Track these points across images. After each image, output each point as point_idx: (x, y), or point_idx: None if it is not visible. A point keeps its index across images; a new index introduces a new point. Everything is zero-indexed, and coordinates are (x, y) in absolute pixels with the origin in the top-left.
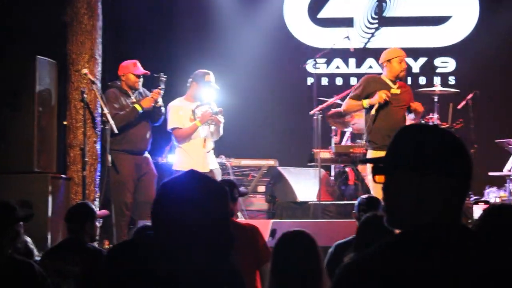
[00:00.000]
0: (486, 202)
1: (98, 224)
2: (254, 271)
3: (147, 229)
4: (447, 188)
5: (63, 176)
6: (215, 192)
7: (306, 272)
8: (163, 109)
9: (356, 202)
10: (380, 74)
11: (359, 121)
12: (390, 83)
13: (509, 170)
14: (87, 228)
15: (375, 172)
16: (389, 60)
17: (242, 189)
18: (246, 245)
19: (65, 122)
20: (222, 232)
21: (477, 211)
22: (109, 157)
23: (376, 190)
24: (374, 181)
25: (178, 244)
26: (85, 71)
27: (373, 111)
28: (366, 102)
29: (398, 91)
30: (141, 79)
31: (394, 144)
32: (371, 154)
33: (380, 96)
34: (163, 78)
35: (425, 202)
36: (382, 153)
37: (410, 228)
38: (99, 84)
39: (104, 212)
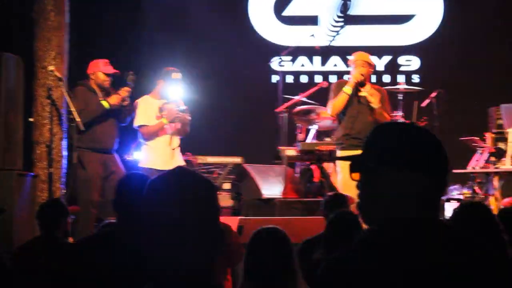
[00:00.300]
0: (458, 200)
1: (70, 220)
2: (226, 270)
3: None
4: (424, 185)
5: (29, 173)
6: (204, 189)
7: (280, 270)
8: (130, 108)
9: (323, 199)
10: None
11: (324, 119)
12: (358, 86)
13: (473, 168)
14: (61, 224)
15: (352, 169)
16: (353, 63)
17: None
18: None
19: (31, 119)
20: (209, 229)
21: (449, 209)
22: (75, 154)
23: (343, 187)
24: (351, 178)
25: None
26: (51, 68)
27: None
28: (346, 88)
29: (365, 94)
30: (110, 78)
31: (371, 141)
32: (340, 154)
33: (355, 76)
34: (132, 76)
35: (402, 198)
36: (350, 153)
37: (386, 225)
38: (65, 81)
39: (75, 208)
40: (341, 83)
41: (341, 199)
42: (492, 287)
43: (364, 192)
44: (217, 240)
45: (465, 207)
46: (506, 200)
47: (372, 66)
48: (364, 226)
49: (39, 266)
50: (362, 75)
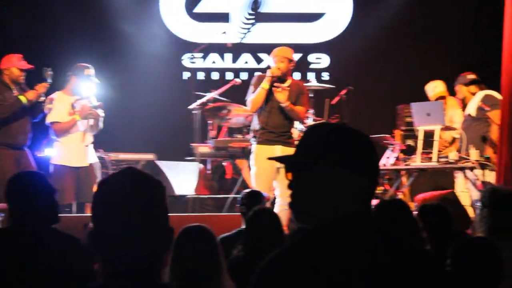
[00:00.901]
0: (377, 197)
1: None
2: None
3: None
4: (356, 184)
5: None
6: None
7: (207, 267)
8: (44, 104)
9: (239, 196)
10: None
11: (236, 116)
12: (278, 81)
13: (384, 165)
14: None
15: (287, 169)
16: (273, 58)
17: None
18: None
19: None
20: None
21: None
22: None
23: (255, 181)
24: (287, 178)
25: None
26: None
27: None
28: (264, 83)
29: (279, 89)
30: (25, 74)
31: (305, 141)
32: (255, 148)
33: (271, 71)
34: (50, 73)
35: (334, 196)
36: (265, 148)
37: (319, 223)
38: None
39: (3, 205)
40: (260, 78)
41: (257, 196)
42: (421, 284)
43: (297, 191)
44: (167, 238)
45: (384, 204)
46: (420, 196)
47: (293, 61)
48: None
49: None
50: (279, 69)
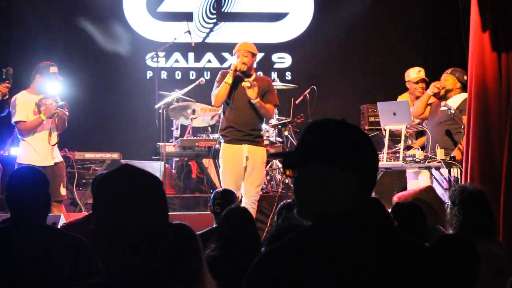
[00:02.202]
0: None
1: None
2: None
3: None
4: (355, 180)
5: None
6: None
7: (190, 263)
8: (8, 104)
9: (211, 195)
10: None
11: (200, 115)
12: (243, 76)
13: None
14: None
15: (286, 165)
16: (236, 53)
17: None
18: None
19: None
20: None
21: None
22: None
23: (222, 180)
24: (285, 174)
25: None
26: None
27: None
28: (227, 78)
29: (248, 84)
30: None
31: (305, 138)
32: (222, 147)
33: (234, 65)
34: (10, 72)
35: (335, 194)
36: (233, 146)
37: (320, 220)
38: None
39: None
40: (224, 74)
41: (230, 195)
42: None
43: (298, 188)
44: (167, 235)
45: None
46: (398, 195)
47: (255, 55)
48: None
49: None
50: (243, 63)
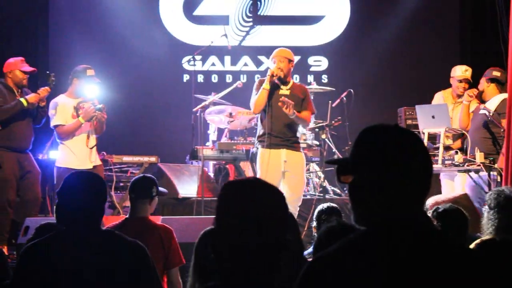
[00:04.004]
0: None
1: None
2: (163, 273)
3: (50, 227)
4: (409, 186)
5: None
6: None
7: None
8: (47, 109)
9: None
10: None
11: (237, 118)
12: (279, 83)
13: None
14: None
15: (340, 172)
16: (273, 59)
17: (161, 189)
18: (157, 245)
19: None
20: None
21: None
22: None
23: None
24: (340, 180)
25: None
26: None
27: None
28: (265, 84)
29: (287, 92)
30: (28, 77)
31: (358, 145)
32: (260, 152)
33: (272, 71)
34: (52, 78)
35: (389, 200)
36: (271, 151)
37: (373, 226)
38: None
39: None
40: (262, 81)
41: None
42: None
43: (353, 194)
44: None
45: None
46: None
47: (293, 62)
48: None
49: None
50: (280, 69)
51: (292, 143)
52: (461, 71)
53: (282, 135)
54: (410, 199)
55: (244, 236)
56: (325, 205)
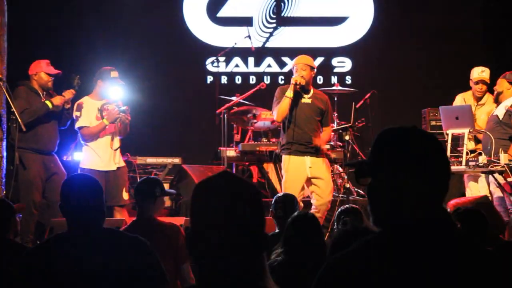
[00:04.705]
0: None
1: (18, 219)
2: (174, 270)
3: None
4: (427, 188)
5: None
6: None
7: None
8: (72, 111)
9: (272, 199)
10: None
11: (260, 120)
12: (301, 92)
13: None
14: (11, 224)
15: (359, 174)
16: (294, 66)
17: (168, 189)
18: (165, 243)
19: None
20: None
21: None
22: (17, 155)
23: (286, 188)
24: (358, 183)
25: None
26: None
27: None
28: (288, 92)
29: (309, 101)
30: (53, 79)
31: (376, 146)
32: (285, 159)
33: (294, 78)
34: (78, 81)
35: (408, 202)
36: (296, 158)
37: (391, 227)
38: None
39: (21, 205)
40: (284, 89)
41: (291, 199)
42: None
43: (371, 196)
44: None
45: None
46: (453, 201)
47: (314, 69)
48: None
49: None
50: (302, 77)
51: (315, 150)
52: (477, 73)
53: (305, 143)
54: (428, 200)
55: (221, 232)
56: (345, 206)
